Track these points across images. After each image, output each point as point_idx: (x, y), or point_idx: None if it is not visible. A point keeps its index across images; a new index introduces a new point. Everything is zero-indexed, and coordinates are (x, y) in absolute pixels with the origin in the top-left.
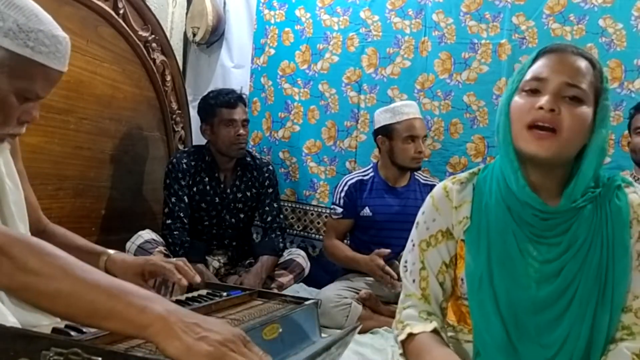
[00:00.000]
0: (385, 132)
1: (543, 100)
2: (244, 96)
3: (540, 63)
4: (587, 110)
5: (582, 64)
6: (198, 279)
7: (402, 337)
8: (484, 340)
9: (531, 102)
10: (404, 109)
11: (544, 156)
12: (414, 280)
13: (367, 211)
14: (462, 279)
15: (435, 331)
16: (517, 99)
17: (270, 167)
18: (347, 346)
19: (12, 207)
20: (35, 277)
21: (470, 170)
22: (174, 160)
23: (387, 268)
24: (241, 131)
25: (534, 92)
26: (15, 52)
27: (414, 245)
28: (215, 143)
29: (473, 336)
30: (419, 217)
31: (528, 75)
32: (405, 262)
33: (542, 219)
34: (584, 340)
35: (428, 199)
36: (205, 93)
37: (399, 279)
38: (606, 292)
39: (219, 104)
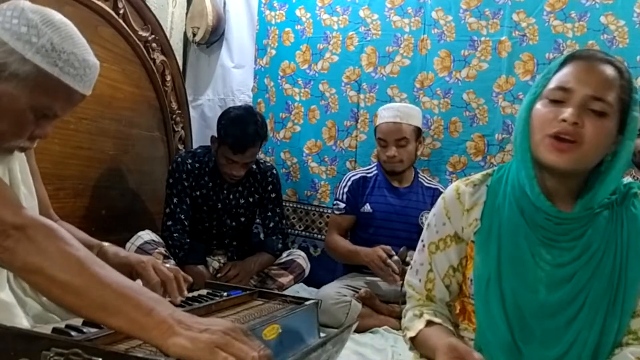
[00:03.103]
0: (374, 134)
1: (567, 112)
2: (263, 133)
3: (566, 71)
4: (610, 123)
5: (610, 73)
6: (179, 300)
7: (408, 344)
8: (487, 339)
9: (554, 112)
10: (383, 112)
11: (562, 167)
12: (420, 280)
13: (367, 207)
14: (470, 279)
15: (429, 323)
16: (540, 107)
17: (274, 172)
18: (344, 343)
19: None
20: (51, 263)
21: (484, 172)
22: (179, 159)
23: (389, 261)
24: (239, 172)
25: (558, 102)
26: (43, 70)
27: (424, 245)
28: (215, 158)
29: (475, 334)
30: (430, 219)
31: (553, 83)
32: (414, 261)
33: (556, 224)
34: (591, 346)
35: (439, 200)
36: (228, 108)
37: (398, 274)
38: (617, 299)
39: (226, 142)
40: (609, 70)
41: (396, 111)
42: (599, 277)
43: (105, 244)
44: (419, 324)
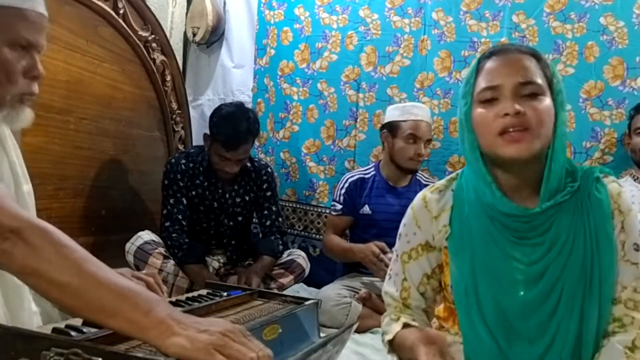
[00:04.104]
0: (390, 128)
1: (507, 106)
2: (255, 130)
3: (487, 70)
4: (546, 101)
5: (527, 59)
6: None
7: (387, 348)
8: (473, 348)
9: (494, 110)
10: (414, 109)
11: (525, 156)
12: (396, 290)
13: (366, 209)
14: (451, 286)
15: (406, 325)
16: (478, 111)
17: (269, 170)
18: (344, 344)
19: (27, 197)
20: (48, 265)
21: (449, 177)
22: (173, 160)
23: (382, 255)
24: (233, 169)
25: (491, 101)
26: None
27: (397, 256)
28: (208, 156)
29: (463, 344)
30: (401, 229)
31: (479, 86)
32: (390, 269)
33: (524, 222)
34: (573, 335)
35: (409, 210)
36: (219, 105)
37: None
38: (593, 285)
39: (218, 139)
40: (525, 56)
41: (425, 111)
42: (572, 267)
43: None
44: (396, 327)
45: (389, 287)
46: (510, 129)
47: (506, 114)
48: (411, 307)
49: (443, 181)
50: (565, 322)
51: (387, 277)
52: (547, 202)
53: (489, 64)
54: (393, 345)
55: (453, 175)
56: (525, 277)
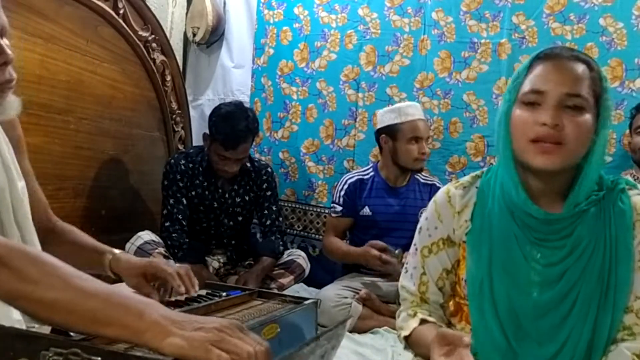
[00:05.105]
0: (389, 132)
1: (546, 115)
2: (254, 129)
3: (537, 73)
4: (588, 117)
5: (580, 69)
6: (194, 290)
7: (403, 343)
8: (482, 342)
9: (533, 116)
10: (409, 110)
11: (551, 168)
12: (414, 284)
13: (366, 210)
14: (465, 280)
15: (423, 321)
16: (518, 112)
17: (269, 170)
18: (339, 339)
19: (21, 194)
20: (34, 286)
21: (474, 174)
22: (172, 161)
23: (384, 256)
24: (232, 168)
25: (534, 105)
26: None
27: (416, 249)
28: (208, 156)
29: (472, 337)
30: (422, 223)
31: (526, 87)
32: (407, 263)
33: (546, 225)
34: (585, 342)
35: (431, 204)
36: (218, 105)
37: (398, 261)
38: (608, 294)
39: (217, 139)
40: (578, 65)
41: (418, 109)
42: (589, 273)
43: (117, 251)
44: (413, 323)
45: (406, 282)
46: (544, 140)
47: (544, 124)
48: (429, 302)
49: (468, 178)
50: (577, 328)
51: (403, 271)
52: (571, 210)
53: (541, 66)
54: (409, 341)
55: (478, 172)
56: (541, 278)
